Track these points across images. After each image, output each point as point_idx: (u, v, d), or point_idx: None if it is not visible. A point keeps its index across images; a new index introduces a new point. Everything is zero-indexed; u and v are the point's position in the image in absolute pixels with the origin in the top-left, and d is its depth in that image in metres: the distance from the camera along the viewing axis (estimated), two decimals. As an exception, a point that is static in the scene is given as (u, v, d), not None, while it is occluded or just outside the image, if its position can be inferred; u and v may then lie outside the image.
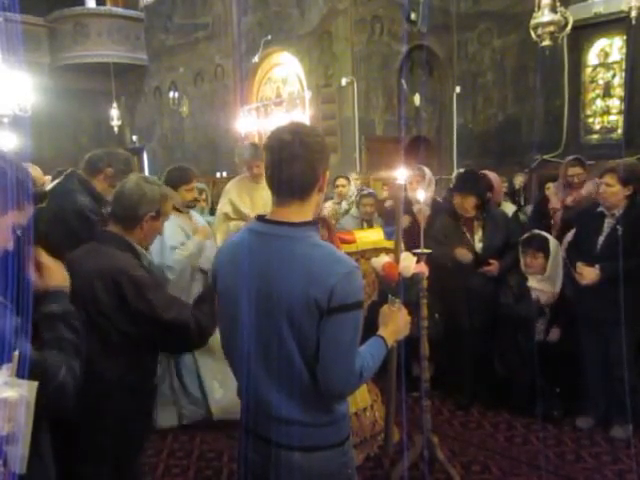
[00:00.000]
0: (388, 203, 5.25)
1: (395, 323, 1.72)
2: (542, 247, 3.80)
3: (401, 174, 1.95)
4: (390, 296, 1.81)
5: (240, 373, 1.60)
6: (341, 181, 5.80)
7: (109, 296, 1.84)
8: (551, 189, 4.88)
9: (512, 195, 7.09)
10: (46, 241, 2.16)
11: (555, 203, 4.51)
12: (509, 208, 4.71)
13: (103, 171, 2.66)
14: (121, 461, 1.97)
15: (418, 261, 2.52)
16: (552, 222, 4.50)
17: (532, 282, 3.81)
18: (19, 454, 1.07)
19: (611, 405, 3.58)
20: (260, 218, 1.57)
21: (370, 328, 1.72)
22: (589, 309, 3.53)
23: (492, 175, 4.53)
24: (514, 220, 4.46)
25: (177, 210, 3.57)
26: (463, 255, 3.83)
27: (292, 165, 1.45)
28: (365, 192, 4.97)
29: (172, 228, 3.37)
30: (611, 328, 3.38)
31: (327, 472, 1.55)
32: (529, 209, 6.13)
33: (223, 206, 4.17)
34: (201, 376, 3.62)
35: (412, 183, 4.21)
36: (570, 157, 4.62)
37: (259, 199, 4.03)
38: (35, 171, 3.52)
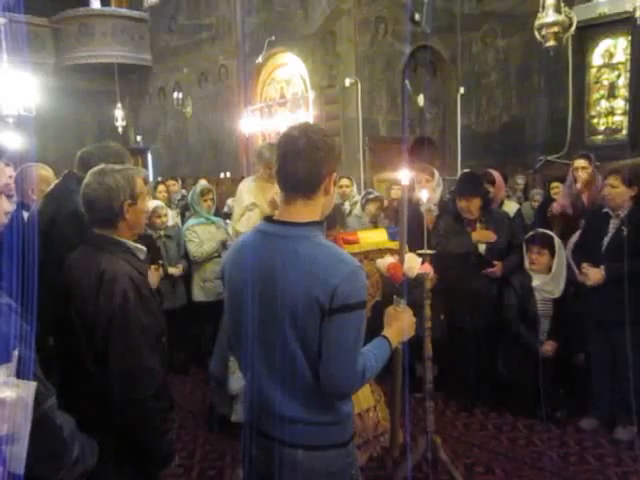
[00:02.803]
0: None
1: (400, 324, 1.72)
2: (547, 244, 3.79)
3: (404, 175, 1.95)
4: (395, 297, 1.81)
5: (245, 371, 1.61)
6: (344, 181, 5.79)
7: (94, 302, 1.79)
8: (559, 192, 4.89)
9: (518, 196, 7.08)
10: (45, 242, 2.15)
11: (555, 208, 4.52)
12: (512, 207, 4.70)
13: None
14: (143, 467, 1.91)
15: (423, 262, 2.52)
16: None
17: (536, 282, 3.81)
18: (18, 454, 1.07)
19: (615, 406, 3.57)
20: (268, 218, 1.60)
21: (374, 329, 1.71)
22: (594, 310, 3.52)
23: (495, 172, 4.55)
24: (517, 218, 4.45)
25: None
26: None
27: (295, 160, 1.48)
28: (372, 195, 4.96)
29: None
30: (616, 329, 3.37)
31: (331, 471, 1.55)
32: (526, 205, 6.17)
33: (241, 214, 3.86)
34: None
35: (421, 182, 4.19)
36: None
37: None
38: (47, 171, 3.50)
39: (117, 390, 1.75)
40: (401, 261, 2.11)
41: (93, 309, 1.78)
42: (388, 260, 2.62)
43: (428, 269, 2.58)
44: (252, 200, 3.78)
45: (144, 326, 1.82)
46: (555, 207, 4.49)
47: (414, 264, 2.45)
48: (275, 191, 3.38)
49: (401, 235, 2.05)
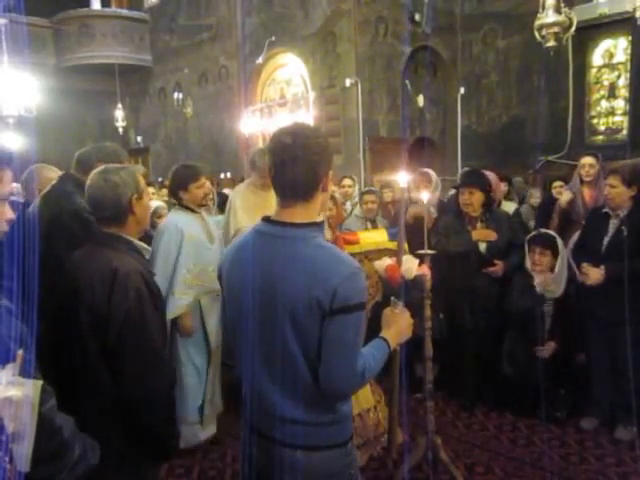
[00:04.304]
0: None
1: (398, 326, 1.73)
2: (549, 245, 3.79)
3: (402, 177, 1.96)
4: (392, 298, 1.81)
5: (244, 372, 1.61)
6: (347, 181, 5.82)
7: (107, 299, 1.81)
8: (561, 191, 4.90)
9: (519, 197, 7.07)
10: (47, 243, 2.16)
11: (562, 202, 4.54)
12: (510, 207, 4.71)
13: (94, 167, 2.58)
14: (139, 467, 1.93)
15: (421, 263, 2.52)
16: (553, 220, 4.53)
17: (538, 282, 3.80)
18: (24, 452, 1.08)
19: (616, 406, 3.57)
20: (265, 219, 1.58)
21: (374, 329, 1.72)
22: (595, 310, 3.52)
23: (490, 174, 4.55)
24: (515, 217, 4.46)
25: (190, 209, 3.49)
26: None
27: (294, 168, 1.47)
28: (366, 189, 4.96)
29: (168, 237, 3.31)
30: (616, 328, 3.38)
31: (330, 472, 1.55)
32: (526, 206, 6.16)
33: (233, 223, 3.86)
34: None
35: (419, 187, 4.19)
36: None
37: (270, 208, 3.88)
38: (55, 173, 3.50)
39: (135, 384, 1.78)
40: (399, 263, 2.11)
41: (106, 306, 1.79)
42: (386, 262, 2.63)
43: (426, 271, 2.59)
44: (242, 224, 3.72)
45: (155, 321, 1.86)
46: (563, 200, 4.46)
47: (412, 265, 2.46)
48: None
49: (399, 237, 2.05)
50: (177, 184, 3.48)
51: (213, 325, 3.48)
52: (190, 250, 3.33)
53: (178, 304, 3.28)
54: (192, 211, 3.50)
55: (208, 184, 3.96)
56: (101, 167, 2.02)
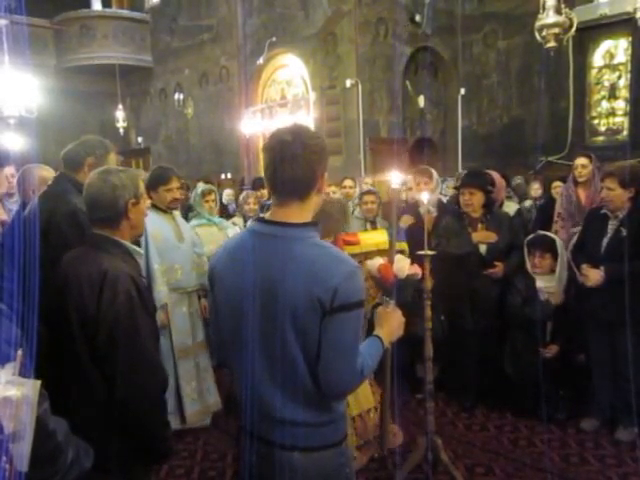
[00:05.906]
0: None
1: (390, 324, 1.74)
2: (549, 248, 3.79)
3: (396, 177, 1.96)
4: (384, 297, 1.82)
5: (241, 375, 1.60)
6: (348, 182, 5.84)
7: (95, 302, 1.79)
8: (559, 191, 4.93)
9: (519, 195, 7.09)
10: (44, 243, 2.16)
11: (559, 207, 4.55)
12: (512, 207, 4.71)
13: (85, 162, 2.59)
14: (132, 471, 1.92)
15: (421, 264, 2.53)
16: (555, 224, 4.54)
17: (540, 284, 3.80)
18: (23, 452, 1.08)
19: (616, 407, 3.57)
20: (260, 219, 1.58)
21: (373, 330, 1.73)
22: (595, 310, 3.52)
23: (494, 173, 4.55)
24: (516, 218, 4.46)
25: (161, 209, 3.65)
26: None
27: (292, 166, 1.47)
28: (366, 189, 4.95)
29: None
30: (617, 329, 3.38)
31: (326, 472, 1.56)
32: (527, 202, 6.19)
33: None
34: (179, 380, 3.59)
35: (419, 185, 4.17)
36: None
37: None
38: (48, 172, 3.51)
39: (127, 387, 1.77)
40: (391, 262, 2.11)
41: (95, 308, 1.78)
42: (378, 261, 2.63)
43: (418, 270, 2.59)
44: None
45: (146, 325, 1.85)
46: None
47: (404, 264, 2.47)
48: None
49: (392, 236, 2.06)
50: (148, 184, 3.63)
51: (177, 323, 3.60)
52: (153, 248, 3.48)
53: (158, 297, 3.42)
54: (163, 211, 3.67)
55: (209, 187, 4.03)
56: (102, 167, 2.00)
